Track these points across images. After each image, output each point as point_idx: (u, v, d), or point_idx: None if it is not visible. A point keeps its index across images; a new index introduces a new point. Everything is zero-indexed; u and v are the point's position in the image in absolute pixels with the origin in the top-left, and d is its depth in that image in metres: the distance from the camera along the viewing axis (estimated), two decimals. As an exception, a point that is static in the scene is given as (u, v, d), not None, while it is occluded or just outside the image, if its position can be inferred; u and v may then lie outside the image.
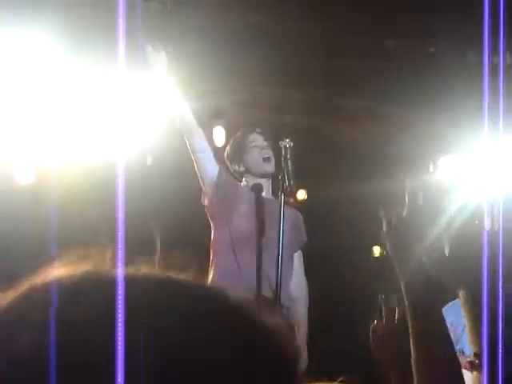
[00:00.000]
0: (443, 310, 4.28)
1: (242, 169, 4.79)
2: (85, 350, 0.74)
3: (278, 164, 4.58)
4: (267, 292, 4.47)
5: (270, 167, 4.69)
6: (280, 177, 4.46)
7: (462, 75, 5.56)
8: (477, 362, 1.43)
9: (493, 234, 1.46)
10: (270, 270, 4.42)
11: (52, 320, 0.75)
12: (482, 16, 1.39)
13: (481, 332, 1.49)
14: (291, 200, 4.75)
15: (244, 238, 4.56)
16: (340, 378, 1.73)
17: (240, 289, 4.61)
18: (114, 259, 0.83)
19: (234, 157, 4.83)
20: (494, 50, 1.43)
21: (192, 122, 4.51)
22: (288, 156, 4.48)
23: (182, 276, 0.83)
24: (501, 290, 1.40)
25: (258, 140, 4.79)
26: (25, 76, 5.32)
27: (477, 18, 1.48)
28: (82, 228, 6.33)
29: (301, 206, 5.42)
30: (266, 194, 4.73)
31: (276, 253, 4.33)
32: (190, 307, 0.79)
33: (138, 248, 0.97)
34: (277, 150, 4.62)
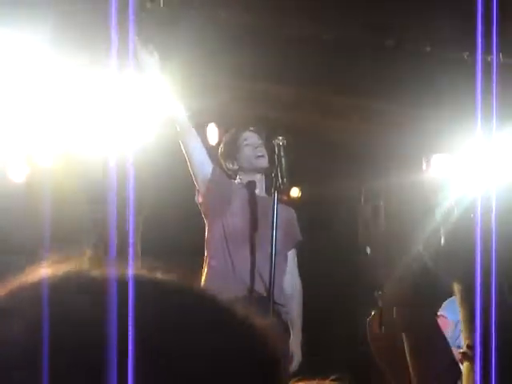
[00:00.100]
0: (443, 305, 4.29)
1: (236, 167, 4.79)
2: (69, 350, 0.74)
3: (271, 162, 4.59)
4: (260, 289, 4.48)
5: (263, 162, 4.70)
6: (273, 174, 4.47)
7: (455, 73, 5.57)
8: (469, 353, 1.44)
9: (486, 230, 1.46)
10: (263, 268, 4.43)
11: (39, 319, 0.75)
12: (475, 14, 1.39)
13: (473, 324, 1.50)
14: (284, 197, 4.76)
15: (237, 235, 4.57)
16: (332, 376, 1.73)
17: (233, 286, 4.65)
18: (99, 259, 0.83)
19: (227, 155, 4.83)
20: (487, 48, 1.44)
21: (185, 120, 4.52)
22: (281, 154, 4.49)
23: (168, 276, 0.83)
24: (494, 284, 1.41)
25: (251, 138, 4.80)
26: (17, 75, 5.32)
27: (470, 16, 1.49)
28: (75, 227, 6.32)
29: (294, 204, 5.42)
30: (260, 191, 4.74)
31: (269, 250, 4.34)
32: (175, 307, 0.79)
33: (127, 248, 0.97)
34: (270, 148, 4.63)
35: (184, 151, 4.55)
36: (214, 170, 4.62)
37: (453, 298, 4.19)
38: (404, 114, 6.23)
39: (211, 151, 4.90)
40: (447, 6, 5.36)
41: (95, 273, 0.80)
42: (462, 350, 1.52)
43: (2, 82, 5.31)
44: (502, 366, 1.35)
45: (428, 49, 5.85)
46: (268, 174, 4.63)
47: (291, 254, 4.84)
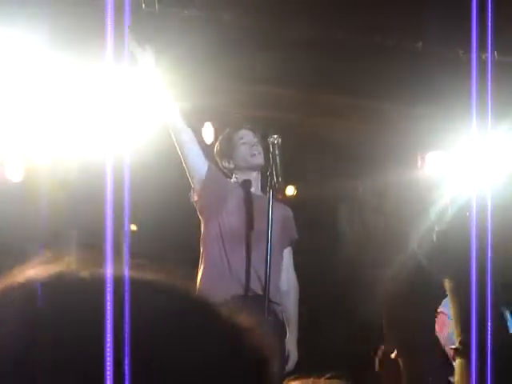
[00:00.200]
0: (443, 302, 4.29)
1: (232, 165, 4.79)
2: (57, 350, 0.74)
3: (266, 160, 4.59)
4: (256, 287, 4.48)
5: (259, 160, 4.70)
6: (268, 173, 4.47)
7: (450, 71, 5.58)
8: (461, 349, 1.44)
9: (481, 227, 1.46)
10: (259, 266, 4.42)
11: (28, 320, 0.75)
12: (470, 12, 1.39)
13: (465, 320, 1.50)
14: (279, 196, 4.76)
15: (233, 233, 4.57)
16: (328, 374, 1.74)
17: (229, 284, 4.64)
18: (88, 260, 0.83)
19: (223, 153, 4.83)
20: (482, 47, 1.44)
21: (180, 120, 4.51)
22: (276, 152, 4.49)
23: (157, 276, 0.83)
24: (489, 280, 1.41)
25: (247, 136, 4.80)
26: (14, 75, 5.31)
27: (465, 14, 1.48)
28: (69, 227, 6.32)
29: (290, 202, 5.42)
30: (256, 190, 4.74)
31: (265, 249, 4.34)
32: (160, 306, 0.79)
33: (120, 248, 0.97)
34: (266, 147, 4.63)
35: (178, 150, 4.55)
36: (209, 168, 4.62)
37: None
38: (399, 112, 6.23)
39: (207, 150, 4.89)
40: (442, 5, 5.37)
41: (84, 273, 0.80)
42: (454, 347, 1.53)
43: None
44: (494, 363, 1.36)
45: (423, 47, 5.85)
46: (264, 172, 4.62)
47: (287, 253, 4.84)
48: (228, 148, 4.81)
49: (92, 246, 0.93)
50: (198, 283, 4.48)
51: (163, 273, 0.83)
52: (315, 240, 6.68)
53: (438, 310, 4.30)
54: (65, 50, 5.19)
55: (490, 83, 1.43)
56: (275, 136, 4.54)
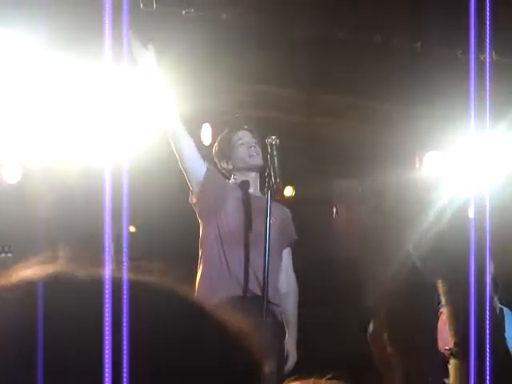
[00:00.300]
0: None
1: (231, 166, 4.79)
2: (54, 350, 0.74)
3: (265, 161, 4.59)
4: (255, 289, 4.48)
5: (257, 160, 4.70)
6: (266, 174, 4.47)
7: (448, 71, 5.58)
8: (455, 351, 1.44)
9: (479, 229, 1.46)
10: (258, 267, 4.42)
11: (24, 320, 0.75)
12: (468, 12, 1.39)
13: (459, 322, 1.50)
14: (277, 197, 4.76)
15: (232, 235, 4.56)
16: (328, 375, 1.73)
17: (228, 286, 4.64)
18: (86, 261, 0.83)
19: (222, 154, 4.83)
20: (480, 47, 1.44)
21: (180, 125, 4.50)
22: (274, 153, 4.49)
23: (153, 278, 0.83)
24: (488, 283, 1.41)
25: (245, 137, 4.80)
26: (13, 75, 5.30)
27: (463, 14, 1.48)
28: (69, 228, 6.31)
29: (288, 203, 5.42)
30: (255, 191, 4.74)
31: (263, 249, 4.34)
32: (156, 308, 0.79)
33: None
34: (264, 147, 4.63)
35: (177, 155, 4.54)
36: (207, 170, 4.62)
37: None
38: (398, 112, 6.23)
39: (205, 151, 4.89)
40: (440, 4, 5.37)
41: (81, 273, 0.80)
42: (448, 347, 1.53)
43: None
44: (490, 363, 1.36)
45: (422, 47, 5.85)
46: (262, 172, 4.62)
47: (286, 253, 4.84)
48: (226, 149, 4.80)
49: (90, 247, 0.93)
50: (196, 284, 4.48)
51: (161, 274, 0.83)
52: (313, 241, 6.67)
53: (441, 310, 4.30)
54: (64, 51, 5.18)
55: (488, 83, 1.43)
56: (273, 137, 4.54)
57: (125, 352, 0.73)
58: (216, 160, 4.85)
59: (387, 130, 6.29)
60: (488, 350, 1.35)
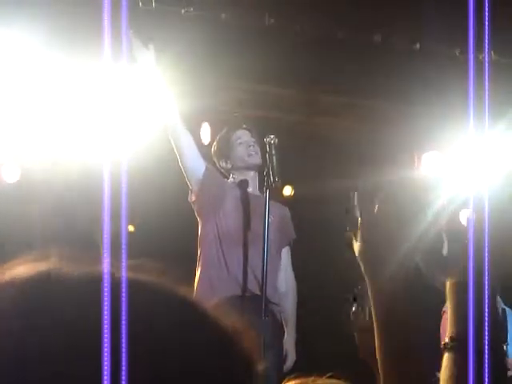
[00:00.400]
0: None
1: (230, 165, 4.79)
2: (46, 347, 0.74)
3: (264, 160, 4.59)
4: (254, 288, 4.48)
5: (256, 159, 4.70)
6: (265, 173, 4.47)
7: (446, 71, 5.58)
8: (450, 344, 1.44)
9: (478, 229, 1.46)
10: (256, 266, 4.42)
11: (16, 317, 0.75)
12: (467, 12, 1.39)
13: (459, 316, 1.50)
14: (276, 196, 4.76)
15: (231, 234, 4.56)
16: (329, 374, 1.74)
17: (227, 285, 4.64)
18: (80, 259, 0.83)
19: (221, 153, 4.83)
20: (479, 46, 1.44)
21: (180, 123, 4.50)
22: (273, 152, 4.50)
23: (148, 278, 0.83)
24: (486, 282, 1.41)
25: (244, 136, 4.80)
26: (12, 75, 5.30)
27: (462, 13, 1.48)
28: (67, 227, 6.31)
29: (287, 202, 5.42)
30: (253, 190, 4.74)
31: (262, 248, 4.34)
32: (143, 307, 0.79)
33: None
34: (263, 146, 4.63)
35: (177, 153, 4.54)
36: (206, 169, 4.62)
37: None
38: (396, 111, 6.23)
39: (204, 150, 4.89)
40: (439, 3, 5.37)
41: (73, 271, 0.80)
42: (444, 342, 1.52)
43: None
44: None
45: (420, 46, 5.85)
46: (261, 172, 4.63)
47: (285, 252, 4.84)
48: (225, 148, 4.81)
49: (88, 245, 0.93)
50: (195, 284, 4.48)
51: (159, 274, 0.83)
52: (312, 240, 6.67)
53: (444, 309, 4.30)
54: (63, 50, 5.18)
55: (487, 83, 1.42)
56: (272, 136, 4.54)
57: (123, 352, 0.73)
58: (215, 159, 4.86)
59: (386, 129, 6.29)
60: (487, 345, 1.35)
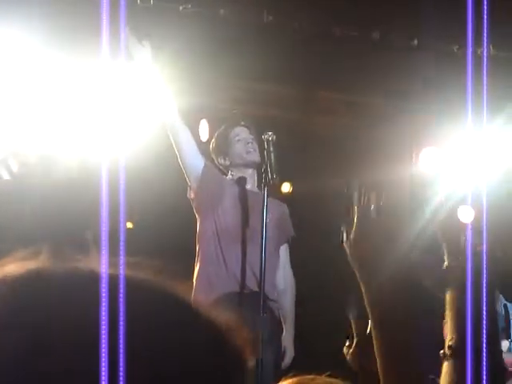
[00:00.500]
0: None
1: (228, 162, 4.79)
2: (37, 345, 0.74)
3: (262, 157, 4.59)
4: (252, 285, 4.48)
5: (255, 157, 4.70)
6: (263, 170, 4.47)
7: (444, 66, 5.57)
8: (448, 353, 1.44)
9: (476, 225, 1.46)
10: (255, 263, 4.42)
11: (7, 315, 0.75)
12: (466, 6, 1.39)
13: (458, 324, 1.50)
14: (274, 193, 4.76)
15: (229, 231, 4.56)
16: (328, 372, 1.73)
17: (225, 282, 4.64)
18: (72, 256, 0.82)
19: (219, 150, 4.83)
20: (477, 41, 1.43)
21: (178, 119, 4.50)
22: (271, 149, 4.49)
23: (145, 275, 0.83)
24: (485, 282, 1.41)
25: (242, 133, 4.80)
26: (11, 74, 5.30)
27: (460, 8, 1.48)
28: (65, 225, 6.30)
29: (285, 199, 5.42)
30: (252, 187, 4.74)
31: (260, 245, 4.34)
32: (135, 303, 0.79)
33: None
34: (261, 144, 4.63)
35: (176, 149, 4.54)
36: (205, 166, 4.62)
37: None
38: (394, 107, 6.23)
39: (203, 147, 4.89)
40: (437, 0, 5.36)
41: (63, 269, 0.80)
42: (442, 351, 1.52)
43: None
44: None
45: (418, 42, 5.84)
46: (259, 169, 4.63)
47: (284, 250, 4.84)
48: (224, 145, 4.80)
49: (78, 242, 0.93)
50: (194, 281, 4.48)
51: (157, 271, 0.83)
52: (311, 237, 6.67)
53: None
54: (61, 48, 5.17)
55: (485, 78, 1.42)
56: (270, 133, 4.54)
57: (121, 351, 0.73)
58: (213, 156, 4.85)
59: (384, 125, 6.29)
60: (485, 351, 1.35)
